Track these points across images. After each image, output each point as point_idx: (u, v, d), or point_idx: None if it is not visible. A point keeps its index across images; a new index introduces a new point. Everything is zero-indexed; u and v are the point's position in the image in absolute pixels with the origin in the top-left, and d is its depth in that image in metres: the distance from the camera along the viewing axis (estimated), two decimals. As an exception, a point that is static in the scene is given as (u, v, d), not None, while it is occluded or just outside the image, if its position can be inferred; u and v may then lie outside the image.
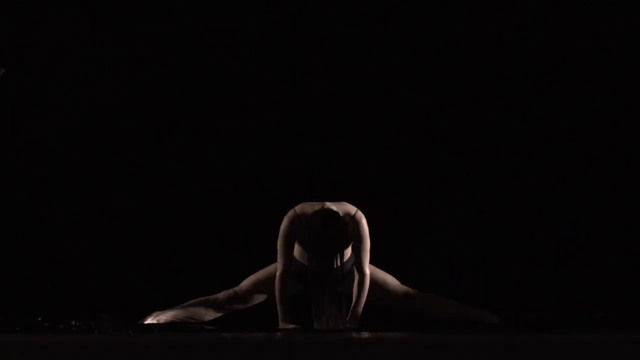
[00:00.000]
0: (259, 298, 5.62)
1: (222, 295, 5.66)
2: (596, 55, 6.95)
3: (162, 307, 5.89)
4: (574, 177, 6.93)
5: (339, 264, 5.34)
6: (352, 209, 5.40)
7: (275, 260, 5.59)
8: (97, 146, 6.98)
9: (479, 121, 6.97)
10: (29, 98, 6.94)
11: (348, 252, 5.43)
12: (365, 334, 5.11)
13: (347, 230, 5.33)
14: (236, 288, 5.65)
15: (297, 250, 5.48)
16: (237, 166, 6.99)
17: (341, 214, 5.33)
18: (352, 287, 5.44)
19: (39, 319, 5.83)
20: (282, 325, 5.40)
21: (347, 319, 5.33)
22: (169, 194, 6.95)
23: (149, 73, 6.99)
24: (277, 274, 5.42)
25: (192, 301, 5.68)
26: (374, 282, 5.49)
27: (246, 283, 5.65)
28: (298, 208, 5.44)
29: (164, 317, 5.56)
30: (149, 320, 5.57)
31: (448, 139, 6.90)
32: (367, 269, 5.38)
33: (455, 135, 6.91)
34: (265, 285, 5.57)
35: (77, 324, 5.58)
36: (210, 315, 5.62)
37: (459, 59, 6.97)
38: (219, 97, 7.00)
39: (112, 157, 6.96)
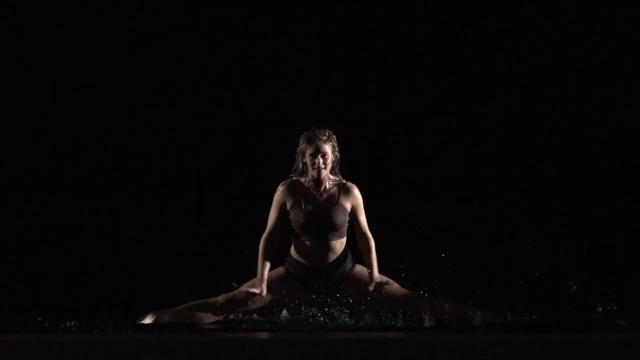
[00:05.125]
0: (259, 302, 5.62)
1: (221, 298, 5.65)
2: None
3: (161, 308, 5.95)
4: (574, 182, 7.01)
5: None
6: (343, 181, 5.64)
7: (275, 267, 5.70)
8: (97, 151, 7.07)
9: (475, 123, 7.05)
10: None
11: (343, 243, 5.57)
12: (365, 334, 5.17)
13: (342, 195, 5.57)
14: (235, 291, 5.66)
15: (294, 249, 5.57)
16: (239, 170, 7.05)
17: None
18: (353, 290, 5.57)
19: (39, 318, 5.81)
20: (254, 283, 5.54)
21: (371, 286, 5.51)
22: (169, 197, 7.01)
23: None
24: (263, 235, 5.58)
25: (192, 303, 5.66)
26: (376, 284, 5.55)
27: (246, 287, 5.66)
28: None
29: (162, 318, 5.56)
30: (146, 321, 5.56)
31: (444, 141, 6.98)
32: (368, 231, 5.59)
33: (449, 137, 7.00)
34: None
35: (77, 324, 5.57)
36: (209, 318, 5.62)
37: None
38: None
39: (112, 160, 7.03)
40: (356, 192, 5.57)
